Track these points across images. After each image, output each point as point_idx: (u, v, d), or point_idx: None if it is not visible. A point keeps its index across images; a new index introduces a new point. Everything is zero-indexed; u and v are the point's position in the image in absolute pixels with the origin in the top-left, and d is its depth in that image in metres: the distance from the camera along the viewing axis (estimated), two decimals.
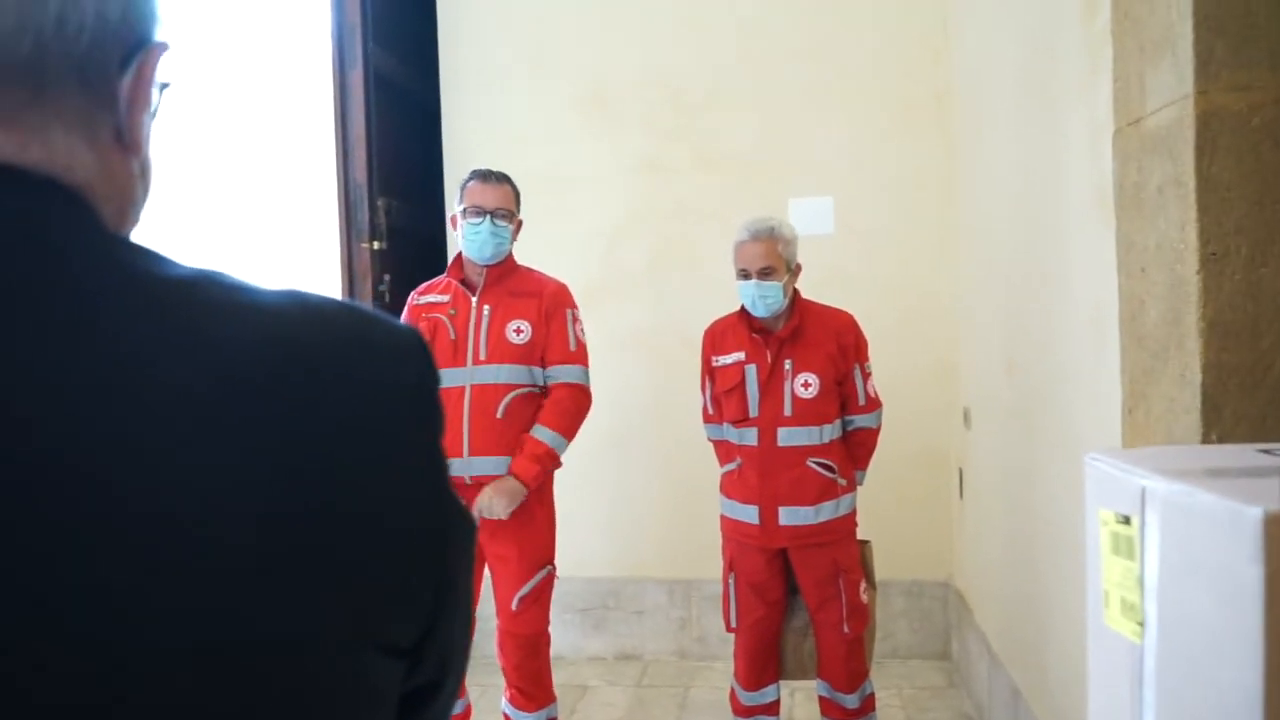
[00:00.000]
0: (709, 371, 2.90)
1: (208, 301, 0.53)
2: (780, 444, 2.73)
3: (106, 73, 0.55)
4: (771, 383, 2.74)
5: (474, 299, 2.84)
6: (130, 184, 0.58)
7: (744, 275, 2.73)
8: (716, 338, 2.87)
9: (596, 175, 3.98)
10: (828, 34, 3.85)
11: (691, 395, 3.62)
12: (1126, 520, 0.82)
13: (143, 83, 0.57)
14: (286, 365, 0.52)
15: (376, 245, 3.77)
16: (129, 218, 0.59)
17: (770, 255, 2.69)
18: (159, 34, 0.58)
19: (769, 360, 2.74)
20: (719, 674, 3.76)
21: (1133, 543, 0.81)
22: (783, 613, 2.89)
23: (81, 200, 0.54)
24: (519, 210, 2.92)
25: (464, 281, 2.89)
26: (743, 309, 2.80)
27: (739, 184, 3.89)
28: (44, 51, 0.52)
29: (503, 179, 2.89)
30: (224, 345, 0.51)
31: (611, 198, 3.98)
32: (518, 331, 2.81)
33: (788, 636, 2.92)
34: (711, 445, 2.99)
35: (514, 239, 2.90)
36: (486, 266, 2.85)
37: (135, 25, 0.56)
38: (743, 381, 2.77)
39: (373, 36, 3.76)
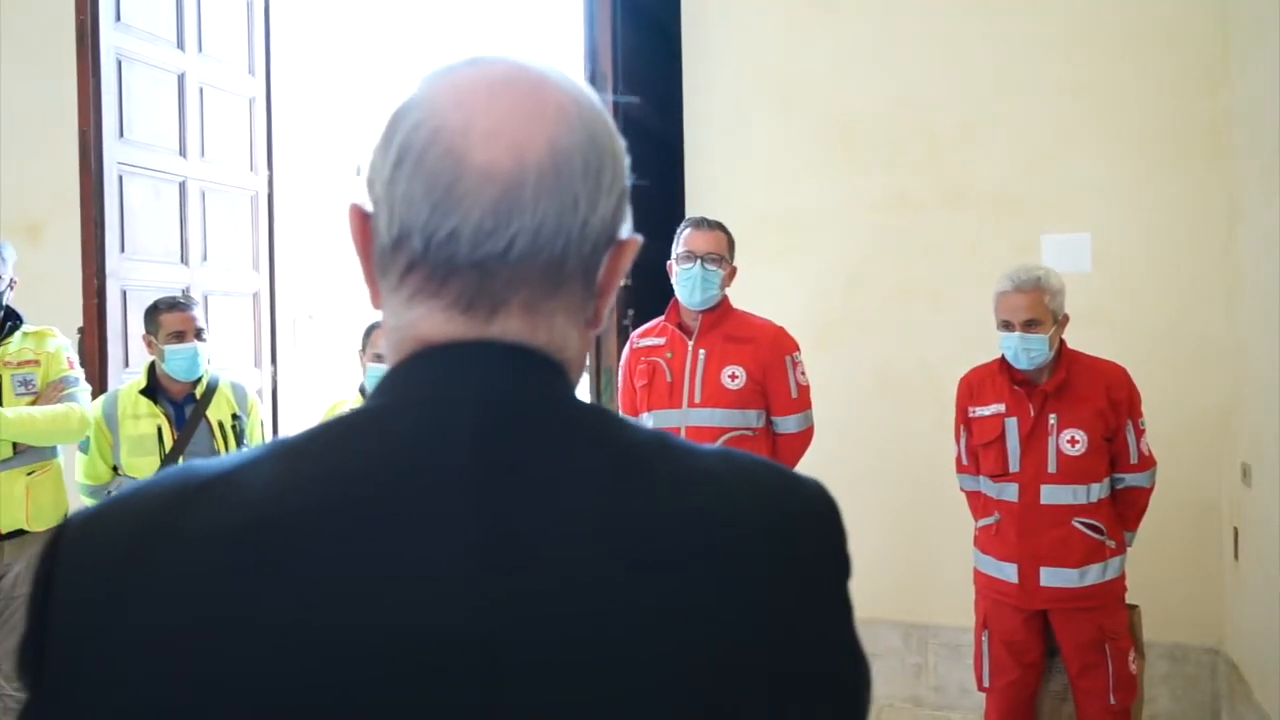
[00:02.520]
0: (965, 422, 2.82)
1: (662, 469, 0.59)
2: (1043, 502, 2.61)
3: (598, 267, 0.63)
4: (1034, 438, 2.63)
5: (690, 343, 2.90)
6: (586, 355, 0.66)
7: (1006, 326, 2.64)
8: (974, 387, 2.78)
9: (841, 211, 3.95)
10: (1086, 63, 3.66)
11: (933, 435, 3.53)
12: None
13: (616, 272, 0.65)
14: (738, 536, 0.58)
15: (623, 282, 3.90)
16: (578, 382, 0.66)
17: (1036, 307, 2.59)
18: (627, 229, 0.65)
19: (1032, 414, 2.64)
20: None
21: None
22: (1040, 675, 2.77)
23: (566, 376, 0.62)
24: (732, 257, 2.97)
25: (680, 325, 2.95)
26: (1003, 358, 2.71)
27: (989, 219, 3.76)
28: (568, 253, 0.60)
29: (716, 225, 2.95)
30: (682, 515, 0.57)
31: (856, 234, 3.94)
32: (733, 377, 2.85)
33: (1044, 700, 2.79)
34: (965, 495, 2.90)
35: (726, 284, 2.95)
36: (700, 312, 2.90)
37: (618, 223, 0.64)
38: (1002, 435, 2.67)
39: (622, 80, 3.90)
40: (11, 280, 3.01)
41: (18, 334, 3.01)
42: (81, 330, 3.92)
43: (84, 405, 3.03)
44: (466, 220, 0.58)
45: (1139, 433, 2.65)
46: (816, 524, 0.63)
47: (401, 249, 0.60)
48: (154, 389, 3.13)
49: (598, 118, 0.63)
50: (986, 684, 2.79)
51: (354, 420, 0.59)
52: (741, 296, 3.12)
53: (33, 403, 2.95)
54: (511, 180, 0.58)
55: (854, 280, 3.95)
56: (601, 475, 0.57)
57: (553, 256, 0.60)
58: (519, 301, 0.60)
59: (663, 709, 0.53)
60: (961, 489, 2.91)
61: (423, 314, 0.60)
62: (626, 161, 0.64)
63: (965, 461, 2.85)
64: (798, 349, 2.96)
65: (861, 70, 3.93)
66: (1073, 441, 2.60)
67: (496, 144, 0.58)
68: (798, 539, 0.61)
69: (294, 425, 5.23)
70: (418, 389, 0.59)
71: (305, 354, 5.24)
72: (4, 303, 3.00)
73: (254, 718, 0.50)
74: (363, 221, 0.63)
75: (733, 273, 2.97)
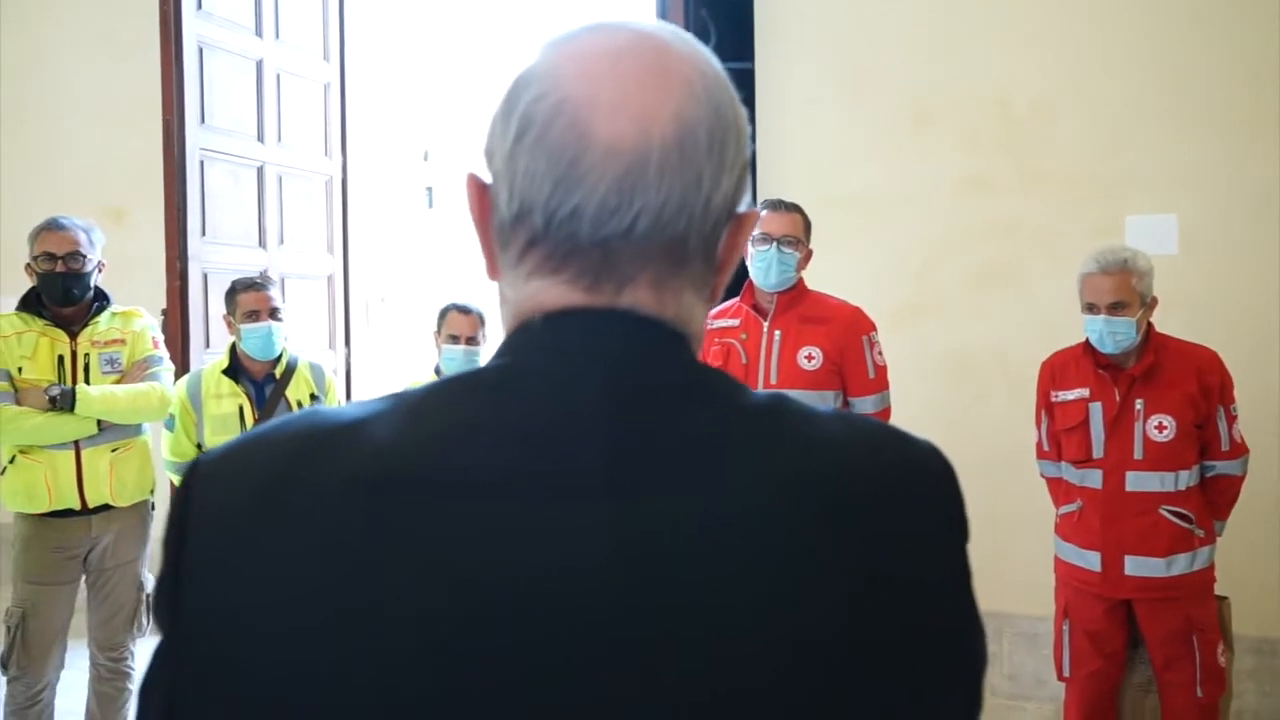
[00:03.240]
0: (1046, 406, 2.75)
1: (786, 433, 0.59)
2: (1129, 489, 2.55)
3: (718, 242, 0.62)
4: (1120, 423, 2.56)
5: (765, 324, 2.88)
6: (705, 329, 0.66)
7: (1091, 309, 2.57)
8: (1057, 371, 2.72)
9: (914, 192, 3.88)
10: (1173, 38, 3.54)
11: (1008, 420, 3.46)
12: None
13: (736, 247, 0.64)
14: (855, 496, 0.57)
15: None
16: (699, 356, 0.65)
17: (1122, 289, 2.52)
18: (746, 201, 0.63)
19: (1117, 399, 2.57)
20: (1030, 716, 3.57)
21: None
22: (1122, 666, 2.70)
23: (690, 346, 0.62)
24: (809, 240, 2.94)
25: (755, 307, 2.94)
26: (1087, 342, 2.64)
27: (1069, 201, 3.66)
28: (690, 229, 0.59)
29: (793, 208, 2.92)
30: (802, 476, 0.57)
31: (930, 215, 3.86)
32: (809, 358, 2.82)
33: (1127, 691, 2.72)
34: (1045, 482, 2.84)
35: (802, 267, 2.93)
36: (775, 293, 2.88)
37: (739, 197, 0.62)
38: (1086, 420, 2.61)
39: None
40: (100, 263, 3.10)
41: (106, 314, 3.10)
42: (164, 312, 4.03)
43: (166, 384, 3.11)
44: (590, 198, 0.57)
45: (1230, 419, 2.57)
46: (934, 486, 0.62)
47: (522, 225, 0.59)
48: (236, 369, 3.20)
49: (722, 88, 0.61)
50: (1066, 674, 2.73)
51: (480, 377, 0.59)
52: (813, 278, 3.08)
53: (118, 381, 3.03)
54: (636, 156, 0.57)
55: (928, 263, 3.88)
56: (728, 436, 0.57)
57: (675, 235, 0.59)
58: (646, 277, 0.59)
59: (776, 671, 0.52)
60: (1042, 475, 2.85)
61: (542, 287, 0.60)
62: (748, 131, 0.62)
63: (1046, 447, 2.79)
64: (874, 329, 2.93)
65: (935, 47, 3.84)
66: (1160, 427, 2.52)
67: (621, 117, 0.57)
68: (916, 503, 0.60)
69: None
70: (544, 351, 0.59)
71: (378, 336, 5.33)
72: (94, 284, 3.09)
73: (382, 667, 0.50)
74: (480, 193, 0.63)
75: (808, 255, 2.95)
